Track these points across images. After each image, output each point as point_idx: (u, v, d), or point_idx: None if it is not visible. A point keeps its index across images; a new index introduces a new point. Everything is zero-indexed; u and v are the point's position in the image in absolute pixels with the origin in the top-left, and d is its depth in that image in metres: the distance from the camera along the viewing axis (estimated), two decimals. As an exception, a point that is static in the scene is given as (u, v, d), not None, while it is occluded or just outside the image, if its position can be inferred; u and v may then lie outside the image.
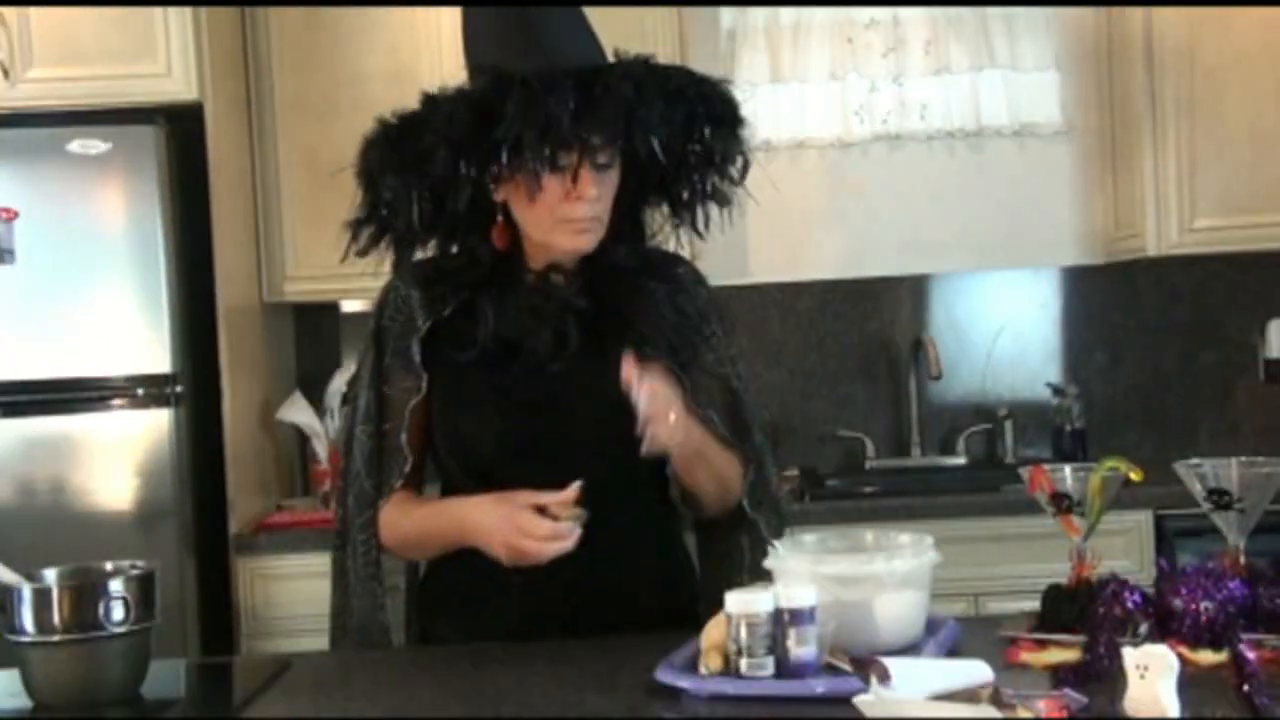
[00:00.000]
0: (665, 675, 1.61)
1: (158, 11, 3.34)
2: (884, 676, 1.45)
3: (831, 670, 1.57)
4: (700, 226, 1.99)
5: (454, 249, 1.98)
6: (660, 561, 2.04)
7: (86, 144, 3.26)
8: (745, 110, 1.93)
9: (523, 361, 1.91)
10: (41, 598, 1.68)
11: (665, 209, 2.02)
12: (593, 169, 1.84)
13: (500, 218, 1.93)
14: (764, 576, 1.74)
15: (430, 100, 1.87)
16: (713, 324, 2.03)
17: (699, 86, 1.88)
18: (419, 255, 2.00)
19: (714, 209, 1.98)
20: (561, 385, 1.92)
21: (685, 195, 1.97)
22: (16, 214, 3.23)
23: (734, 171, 1.95)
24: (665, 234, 2.04)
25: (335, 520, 2.08)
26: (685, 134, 1.88)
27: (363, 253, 1.97)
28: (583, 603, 1.91)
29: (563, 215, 1.87)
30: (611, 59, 1.87)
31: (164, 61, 3.35)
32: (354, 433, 2.01)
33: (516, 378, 1.92)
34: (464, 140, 1.81)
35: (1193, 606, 1.62)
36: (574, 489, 1.77)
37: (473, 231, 1.94)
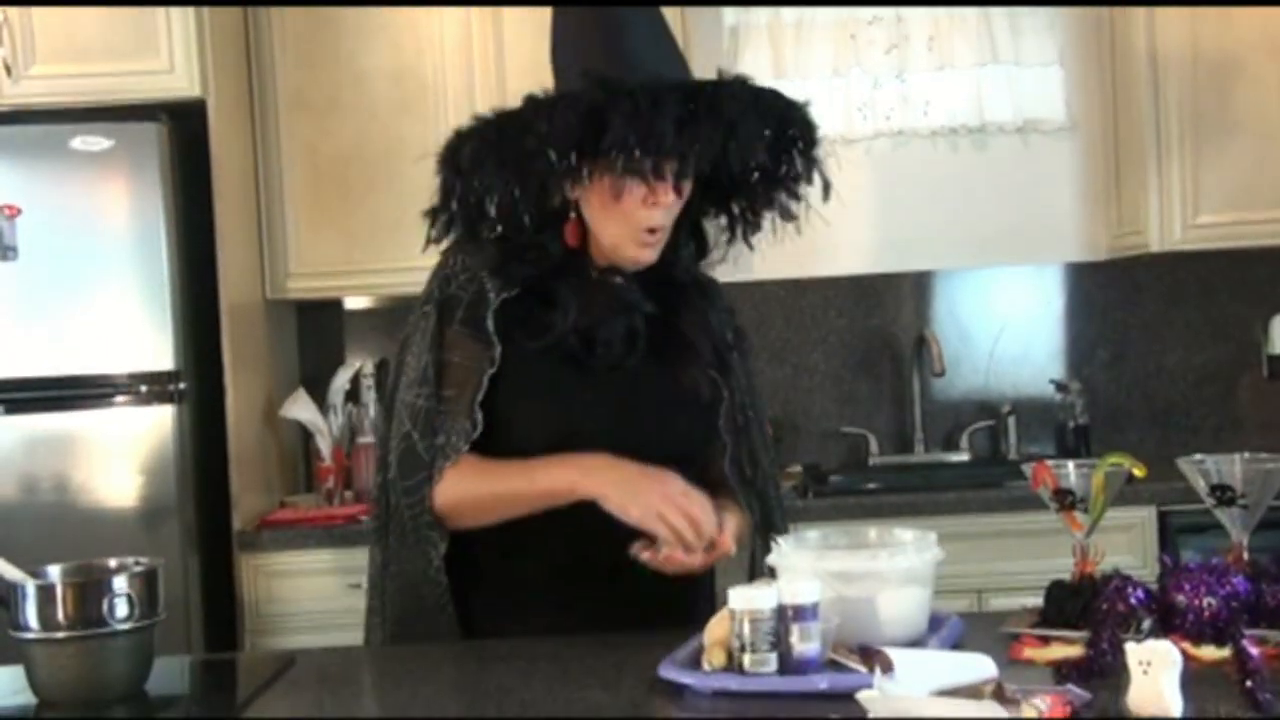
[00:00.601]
0: (668, 672, 1.61)
1: (160, 8, 3.34)
2: (887, 667, 1.45)
3: (835, 666, 1.57)
4: (752, 239, 2.04)
5: (523, 241, 1.98)
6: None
7: (89, 141, 3.26)
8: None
9: (599, 358, 1.94)
10: (46, 594, 1.68)
11: (722, 221, 2.07)
12: (672, 180, 1.88)
13: (573, 215, 1.96)
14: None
15: (534, 103, 1.89)
16: (743, 350, 2.12)
17: (789, 110, 1.93)
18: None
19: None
20: (618, 387, 1.96)
21: (748, 211, 2.02)
22: (19, 211, 3.23)
23: (803, 190, 1.99)
24: (719, 245, 2.09)
25: (373, 505, 2.05)
26: (772, 155, 1.92)
27: (437, 240, 2.01)
28: (623, 600, 1.91)
29: (638, 221, 1.91)
30: (713, 75, 1.91)
31: (166, 58, 3.35)
32: (397, 397, 1.99)
33: (575, 375, 1.94)
34: (568, 146, 1.83)
35: (1196, 602, 1.62)
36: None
37: (544, 227, 1.96)
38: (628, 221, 1.92)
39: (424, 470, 1.93)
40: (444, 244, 2.03)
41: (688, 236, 2.05)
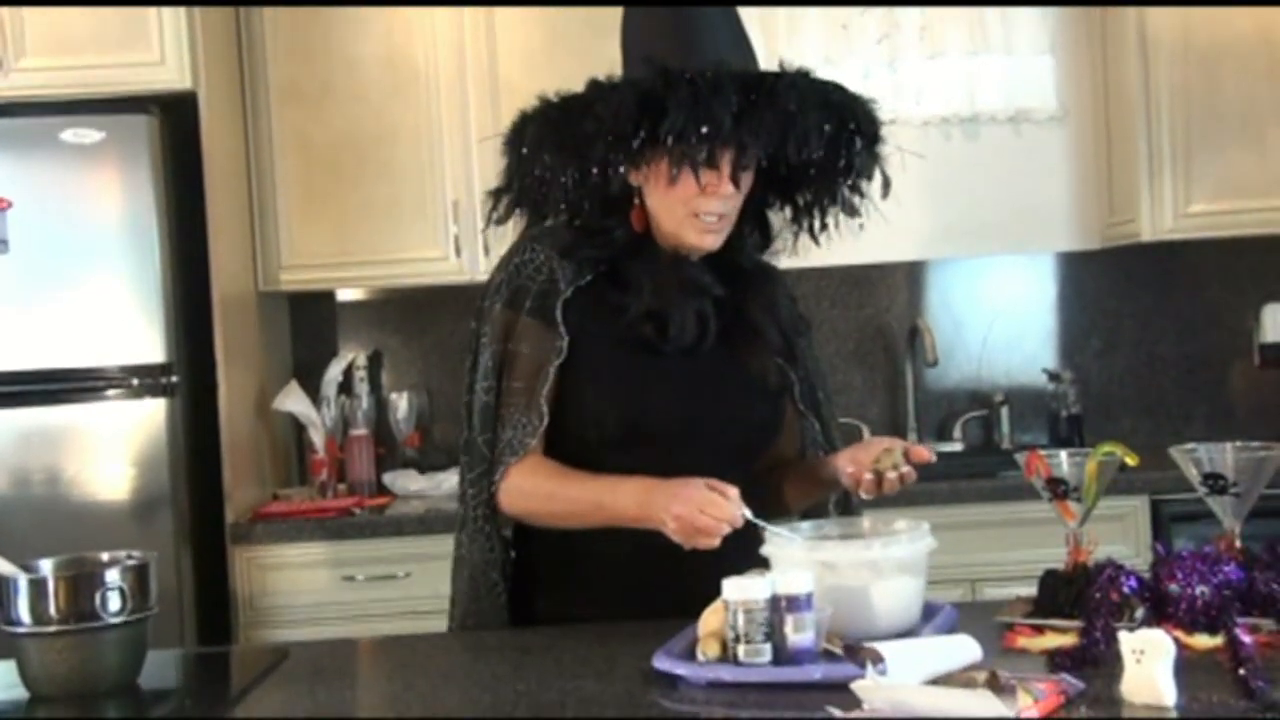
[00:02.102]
0: (662, 662, 1.61)
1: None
2: (877, 660, 1.46)
3: (829, 656, 1.57)
4: (819, 233, 2.04)
5: (590, 225, 1.99)
6: (753, 547, 2.01)
7: (80, 133, 3.25)
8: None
9: (671, 341, 1.94)
10: (38, 588, 1.68)
11: (786, 213, 2.07)
12: (729, 169, 1.88)
13: (638, 201, 1.97)
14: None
15: (596, 87, 1.90)
16: (806, 332, 2.15)
17: (852, 104, 1.92)
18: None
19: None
20: (688, 373, 1.96)
21: (813, 203, 2.02)
22: (10, 204, 3.22)
23: (866, 185, 1.99)
24: (783, 238, 2.09)
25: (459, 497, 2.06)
26: (833, 148, 1.92)
27: (500, 221, 2.01)
28: (684, 585, 1.88)
29: (696, 208, 1.92)
30: (775, 67, 1.92)
31: (157, 50, 3.34)
32: (474, 391, 2.00)
33: (647, 361, 1.95)
34: (626, 130, 1.84)
35: (1189, 591, 1.63)
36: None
37: (610, 212, 1.97)
38: (686, 208, 1.93)
39: (484, 464, 1.96)
40: (508, 226, 2.03)
41: (752, 226, 2.06)
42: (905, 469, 1.87)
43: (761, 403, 2.04)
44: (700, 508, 1.76)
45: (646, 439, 1.94)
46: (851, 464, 1.89)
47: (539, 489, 1.93)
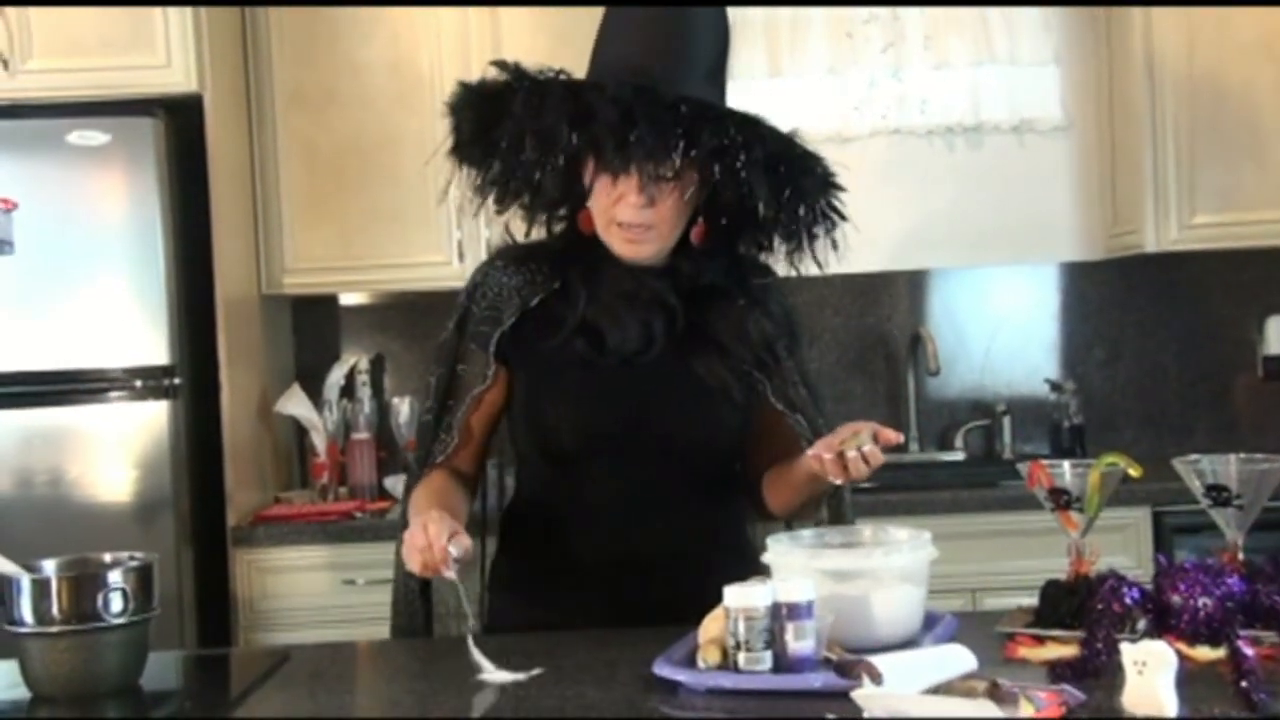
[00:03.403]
0: (663, 669, 1.61)
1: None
2: (875, 677, 1.45)
3: (829, 665, 1.57)
4: (819, 256, 2.02)
5: (545, 229, 2.03)
6: (725, 556, 2.02)
7: (85, 135, 3.26)
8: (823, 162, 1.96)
9: (609, 353, 1.95)
10: (40, 589, 1.68)
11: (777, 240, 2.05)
12: (647, 179, 1.87)
13: (590, 204, 1.97)
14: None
15: (513, 72, 1.88)
16: (794, 336, 2.12)
17: (738, 120, 1.87)
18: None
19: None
20: (643, 382, 1.97)
21: (773, 226, 1.99)
22: (16, 205, 3.21)
23: (814, 231, 1.98)
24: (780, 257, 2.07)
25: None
26: (772, 187, 1.88)
27: (499, 212, 2.01)
28: (648, 593, 1.94)
29: (613, 216, 1.93)
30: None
31: (163, 53, 3.35)
32: (423, 413, 2.10)
33: (601, 371, 1.97)
34: (537, 130, 1.85)
35: (1191, 602, 1.62)
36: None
37: (566, 215, 2.02)
38: (606, 215, 1.94)
39: (414, 480, 2.05)
40: (485, 232, 2.09)
41: (724, 242, 2.02)
42: (868, 448, 1.82)
43: (714, 412, 2.00)
44: (411, 539, 1.74)
45: (599, 450, 1.97)
46: (822, 449, 1.86)
47: (412, 504, 1.97)
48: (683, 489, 1.99)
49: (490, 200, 1.97)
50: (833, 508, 2.14)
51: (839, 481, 1.86)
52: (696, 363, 1.99)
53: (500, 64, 1.89)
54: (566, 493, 2.00)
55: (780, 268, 2.08)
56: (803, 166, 1.92)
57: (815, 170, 1.94)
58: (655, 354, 1.97)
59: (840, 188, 1.97)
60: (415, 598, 2.08)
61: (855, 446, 1.82)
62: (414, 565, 1.73)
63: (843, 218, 1.98)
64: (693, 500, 2.00)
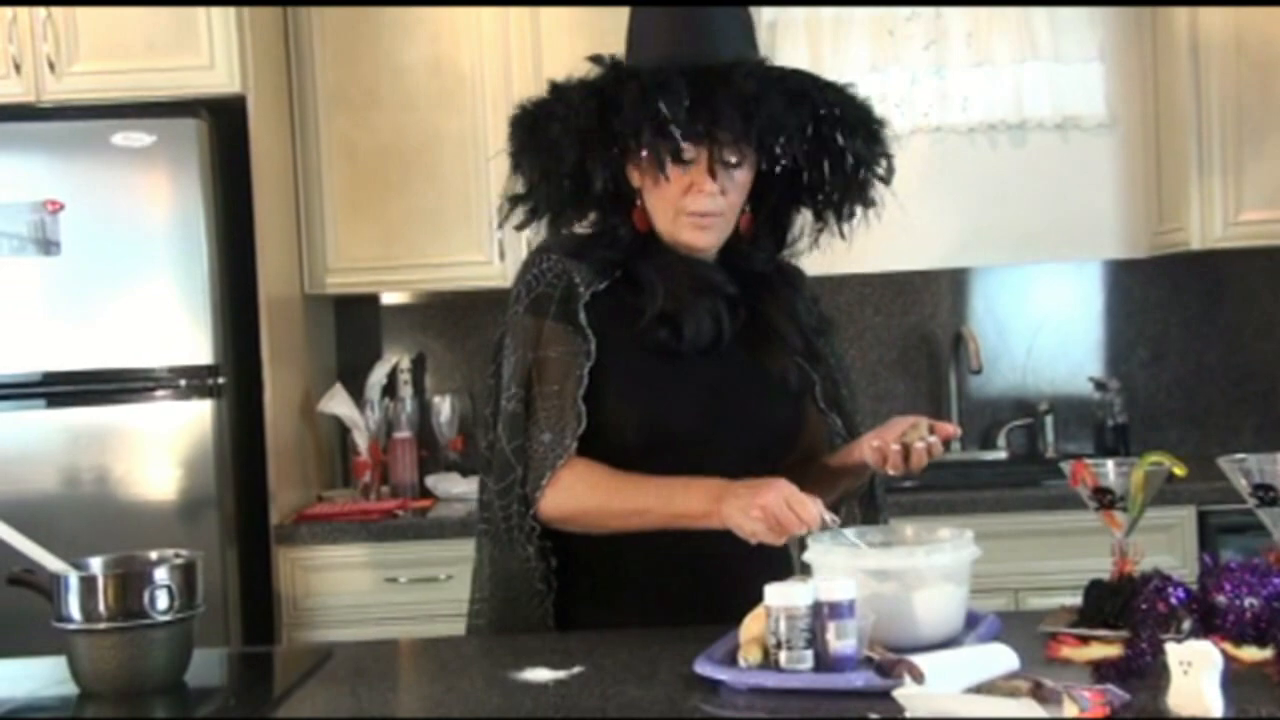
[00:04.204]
0: (704, 668, 1.61)
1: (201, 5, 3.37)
2: (918, 676, 1.45)
3: (871, 664, 1.57)
4: (844, 229, 2.03)
5: (597, 229, 2.02)
6: (772, 552, 1.97)
7: (130, 137, 3.29)
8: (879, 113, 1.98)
9: (687, 342, 1.94)
10: (88, 586, 1.69)
11: (809, 214, 2.06)
12: (719, 165, 1.88)
13: (639, 202, 1.98)
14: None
15: (555, 89, 1.93)
16: (829, 334, 2.13)
17: (822, 91, 1.91)
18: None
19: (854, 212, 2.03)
20: (707, 376, 1.96)
21: (826, 198, 2.00)
22: (62, 206, 3.26)
23: (877, 173, 1.98)
24: (808, 237, 2.08)
25: (480, 508, 2.06)
26: (818, 139, 1.91)
27: (520, 227, 2.03)
28: (717, 590, 1.91)
29: (683, 207, 1.93)
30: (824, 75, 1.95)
31: (207, 54, 3.38)
32: (500, 401, 1.99)
33: (666, 365, 1.95)
34: (588, 130, 1.87)
35: (1237, 603, 1.61)
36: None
37: (616, 212, 1.99)
38: (674, 206, 1.93)
39: (512, 473, 1.95)
40: (527, 232, 2.08)
41: (768, 228, 2.04)
42: (932, 439, 1.84)
43: (782, 404, 2.02)
44: (788, 502, 1.74)
45: (667, 443, 1.93)
46: (877, 441, 1.86)
47: (598, 487, 1.90)
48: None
49: (543, 206, 1.97)
50: (865, 507, 2.12)
51: (894, 473, 1.85)
52: (759, 352, 1.99)
53: (596, 59, 1.92)
54: None
55: (807, 252, 2.10)
56: (833, 100, 1.93)
57: (846, 101, 1.95)
58: (726, 345, 1.97)
59: (885, 141, 1.99)
60: (545, 578, 1.96)
61: (918, 438, 1.84)
62: (787, 531, 1.73)
63: (890, 168, 1.99)
64: None
